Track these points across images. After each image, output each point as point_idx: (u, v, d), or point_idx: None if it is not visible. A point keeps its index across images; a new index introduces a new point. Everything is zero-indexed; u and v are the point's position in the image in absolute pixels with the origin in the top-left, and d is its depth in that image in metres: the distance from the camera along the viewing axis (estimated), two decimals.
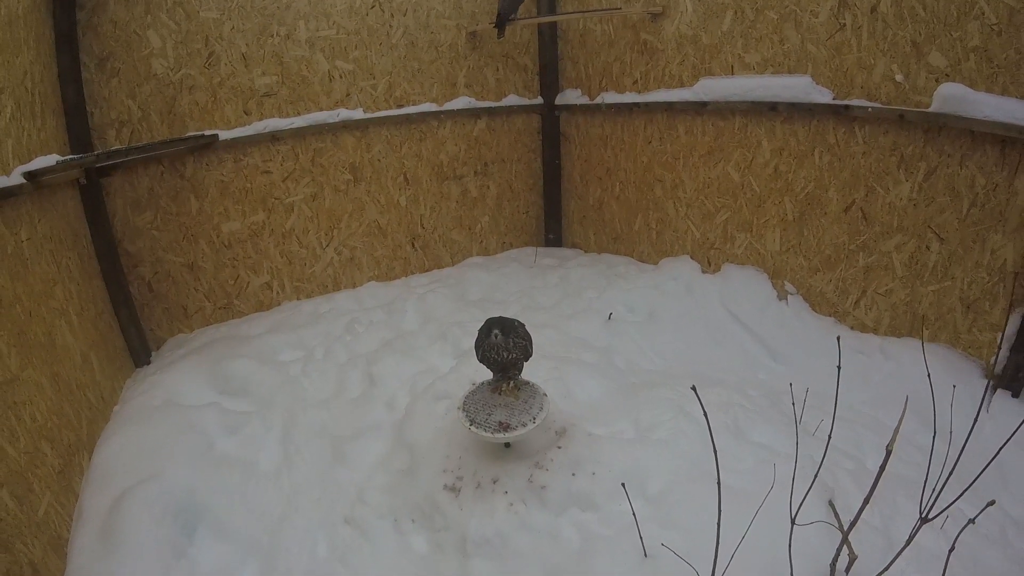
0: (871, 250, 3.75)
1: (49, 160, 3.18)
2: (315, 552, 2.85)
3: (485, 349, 3.01)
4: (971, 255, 3.27)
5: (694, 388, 1.81)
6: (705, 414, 1.85)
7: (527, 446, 3.08)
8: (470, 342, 3.25)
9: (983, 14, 3.02)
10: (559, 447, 3.05)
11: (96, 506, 2.78)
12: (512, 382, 3.17)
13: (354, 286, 5.38)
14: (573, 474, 2.89)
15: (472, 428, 2.90)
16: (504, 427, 2.88)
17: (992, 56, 3.04)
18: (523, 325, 3.12)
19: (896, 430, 1.88)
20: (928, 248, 3.45)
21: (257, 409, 3.59)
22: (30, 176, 2.94)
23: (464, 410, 3.03)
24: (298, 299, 5.11)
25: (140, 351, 4.25)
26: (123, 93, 4.08)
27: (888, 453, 1.84)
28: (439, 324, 4.53)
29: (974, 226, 3.23)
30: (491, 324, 2.97)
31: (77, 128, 3.83)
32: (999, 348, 3.20)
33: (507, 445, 3.06)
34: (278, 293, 5.02)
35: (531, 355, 3.14)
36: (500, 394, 3.12)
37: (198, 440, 3.22)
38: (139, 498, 2.75)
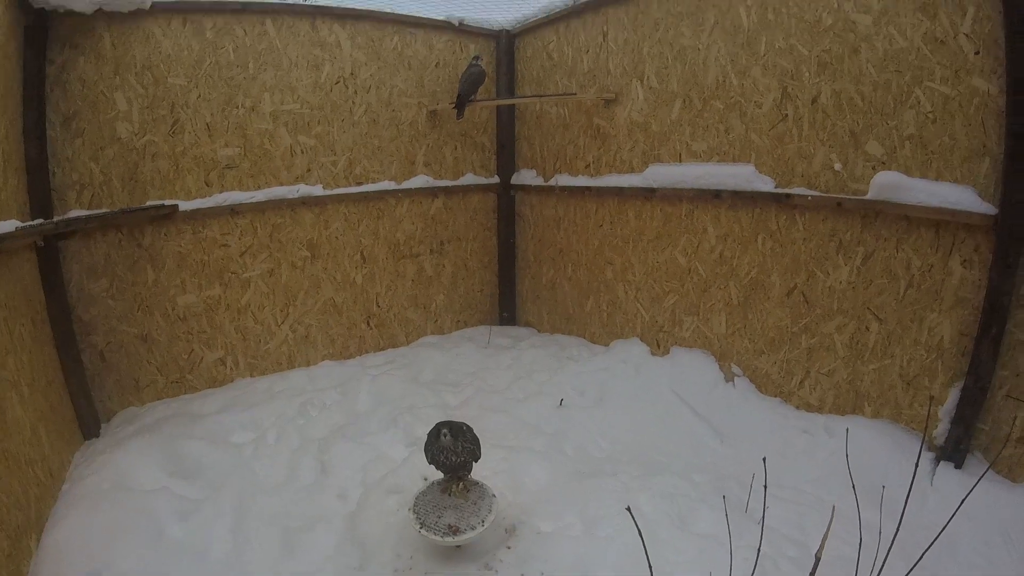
0: (813, 332, 3.89)
1: (8, 226, 3.17)
2: None
3: (435, 452, 3.09)
4: (909, 334, 3.42)
5: (628, 509, 1.87)
6: (640, 533, 1.90)
7: (478, 546, 3.09)
8: (422, 429, 3.27)
9: (919, 103, 3.24)
10: (508, 547, 3.09)
11: None
12: (461, 483, 3.21)
13: (308, 364, 5.37)
14: (522, 574, 2.91)
15: (422, 531, 2.94)
16: (454, 531, 2.93)
17: (927, 143, 3.24)
18: (471, 429, 3.19)
19: (824, 537, 1.92)
20: (868, 328, 3.59)
21: (208, 495, 3.51)
22: None
23: (415, 512, 3.06)
24: (252, 376, 5.08)
25: (90, 423, 4.18)
26: (86, 155, 4.14)
27: (817, 560, 1.89)
28: (392, 408, 4.53)
29: (911, 306, 3.39)
30: (440, 427, 3.06)
31: (38, 187, 3.85)
32: (936, 421, 3.32)
33: (458, 546, 3.08)
34: (232, 369, 4.99)
35: (479, 457, 3.21)
36: (450, 495, 3.17)
37: (149, 526, 3.15)
38: None
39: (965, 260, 3.17)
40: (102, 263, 4.28)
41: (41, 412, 3.48)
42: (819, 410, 3.96)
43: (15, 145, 3.62)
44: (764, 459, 2.19)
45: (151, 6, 4.23)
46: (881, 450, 3.34)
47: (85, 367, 4.25)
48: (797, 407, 4.08)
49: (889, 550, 2.03)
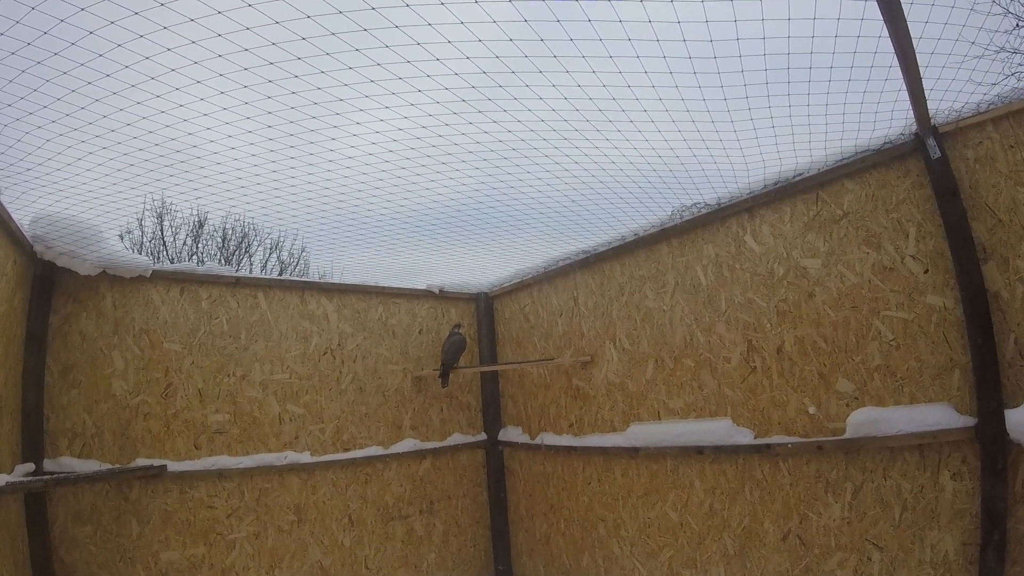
0: (815, 572, 3.77)
1: None
2: None
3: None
4: (912, 556, 3.35)
5: None
6: None
7: None
8: None
9: (880, 334, 3.46)
10: None
11: None
12: None
13: None
14: None
15: None
16: None
17: (895, 370, 3.41)
18: None
19: None
20: (869, 559, 3.51)
21: None
22: None
23: None
24: None
25: None
26: (81, 406, 4.23)
27: None
28: None
29: (910, 528, 3.35)
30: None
31: (32, 431, 3.91)
32: None
33: None
34: None
35: None
36: None
37: None
38: None
39: (955, 474, 3.21)
40: (88, 511, 4.18)
41: None
42: None
43: (13, 389, 3.74)
44: None
45: (152, 274, 4.57)
46: None
47: None
48: None
49: None
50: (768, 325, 4.02)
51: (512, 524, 6.24)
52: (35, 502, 3.87)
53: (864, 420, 3.47)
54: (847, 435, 3.55)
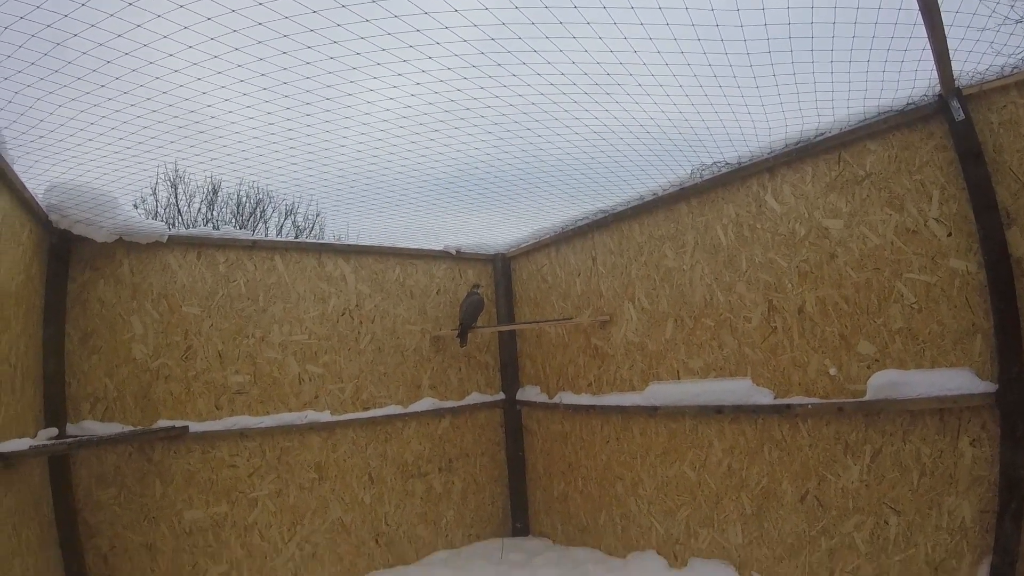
0: (832, 533, 3.77)
1: (22, 444, 3.21)
2: None
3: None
4: (929, 520, 3.33)
5: None
6: None
7: None
8: None
9: (903, 296, 3.40)
10: None
11: None
12: None
13: None
14: None
15: None
16: None
17: (916, 333, 3.36)
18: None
19: None
20: (887, 523, 3.50)
21: None
22: (1, 457, 2.98)
23: None
24: None
25: None
26: (101, 371, 4.30)
27: None
28: None
29: (928, 493, 3.33)
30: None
31: (54, 397, 3.98)
32: None
33: None
34: None
35: None
36: None
37: None
38: None
39: (974, 440, 3.18)
40: (111, 473, 4.28)
41: None
42: None
43: (34, 357, 3.78)
44: None
45: (168, 239, 4.59)
46: None
47: (88, 568, 4.11)
48: None
49: None
50: (789, 285, 3.97)
51: (530, 482, 6.30)
52: (59, 465, 3.94)
53: (885, 383, 3.43)
54: (867, 397, 3.51)
